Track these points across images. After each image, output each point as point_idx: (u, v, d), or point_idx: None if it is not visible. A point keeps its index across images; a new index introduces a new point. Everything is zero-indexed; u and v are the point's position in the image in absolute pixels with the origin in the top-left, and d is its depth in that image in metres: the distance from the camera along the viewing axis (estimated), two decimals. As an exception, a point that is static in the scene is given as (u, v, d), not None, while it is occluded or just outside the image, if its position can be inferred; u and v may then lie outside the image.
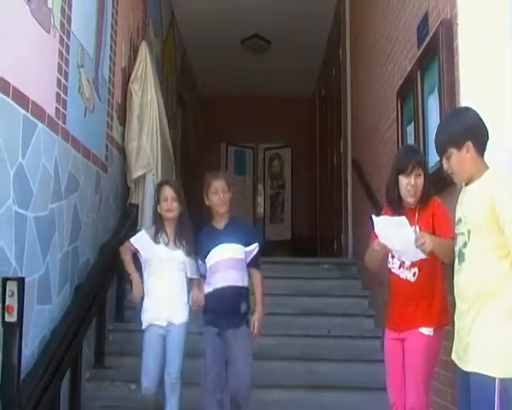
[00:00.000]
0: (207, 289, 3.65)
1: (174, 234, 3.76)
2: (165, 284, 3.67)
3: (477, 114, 2.52)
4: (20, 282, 2.87)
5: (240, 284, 3.63)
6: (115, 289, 4.85)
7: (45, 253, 3.40)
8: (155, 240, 3.72)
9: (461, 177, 2.57)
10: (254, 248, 3.72)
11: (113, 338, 4.72)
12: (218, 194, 3.73)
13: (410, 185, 2.94)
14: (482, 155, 2.52)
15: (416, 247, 2.69)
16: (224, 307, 3.60)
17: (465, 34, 3.06)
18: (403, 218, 2.77)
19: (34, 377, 3.09)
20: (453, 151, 2.51)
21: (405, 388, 2.90)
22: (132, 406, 4.06)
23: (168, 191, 3.80)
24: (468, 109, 2.58)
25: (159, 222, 3.78)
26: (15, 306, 2.82)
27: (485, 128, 2.51)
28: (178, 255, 3.71)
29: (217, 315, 3.61)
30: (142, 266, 3.74)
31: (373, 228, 2.88)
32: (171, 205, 3.76)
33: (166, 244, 3.73)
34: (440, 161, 2.63)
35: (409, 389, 2.87)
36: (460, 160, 2.51)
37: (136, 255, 3.75)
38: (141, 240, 3.77)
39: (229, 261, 3.63)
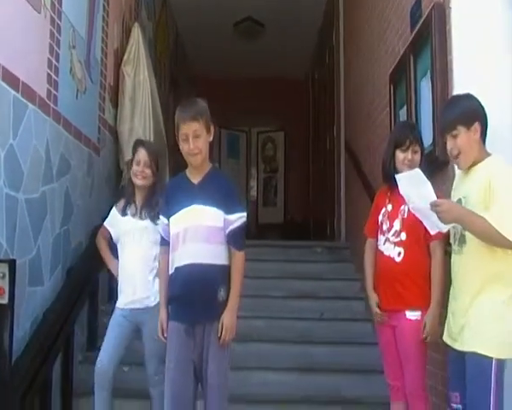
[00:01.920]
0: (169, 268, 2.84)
1: (142, 204, 3.38)
2: (135, 259, 3.33)
3: (480, 103, 2.52)
4: (12, 264, 2.86)
5: (214, 261, 2.76)
6: (107, 271, 4.84)
7: (37, 235, 3.39)
8: (123, 213, 3.41)
9: (467, 158, 2.51)
10: (238, 218, 2.81)
11: (106, 320, 4.70)
12: (188, 142, 2.80)
13: (407, 160, 2.93)
14: (484, 141, 2.52)
15: (431, 208, 2.45)
16: (191, 293, 2.73)
17: (458, 18, 3.05)
18: (417, 170, 2.63)
19: (26, 359, 3.09)
20: (462, 129, 2.48)
21: (402, 372, 2.92)
22: (125, 387, 4.07)
23: (142, 155, 3.40)
24: (473, 96, 2.56)
25: (130, 191, 3.44)
26: (6, 288, 2.81)
27: (487, 116, 2.52)
28: (147, 225, 3.32)
29: (182, 306, 2.77)
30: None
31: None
32: (142, 170, 3.38)
33: (133, 215, 3.39)
34: (443, 141, 2.60)
35: (406, 375, 2.91)
36: (468, 140, 2.48)
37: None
38: (112, 219, 3.50)
39: (200, 229, 2.75)
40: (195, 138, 2.79)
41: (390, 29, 4.37)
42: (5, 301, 2.83)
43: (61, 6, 3.71)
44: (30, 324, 3.29)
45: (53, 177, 3.64)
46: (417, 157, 2.95)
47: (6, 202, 2.98)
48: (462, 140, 2.48)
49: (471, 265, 2.45)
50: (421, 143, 2.99)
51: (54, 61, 3.62)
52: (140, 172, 3.38)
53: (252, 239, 9.01)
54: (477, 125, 2.48)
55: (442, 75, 3.13)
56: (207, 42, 9.22)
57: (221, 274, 2.78)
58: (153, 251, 3.27)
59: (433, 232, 2.67)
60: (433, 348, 3.05)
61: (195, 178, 2.87)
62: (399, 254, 2.93)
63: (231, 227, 2.79)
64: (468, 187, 2.50)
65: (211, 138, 2.89)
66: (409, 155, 2.94)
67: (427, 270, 2.91)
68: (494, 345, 2.33)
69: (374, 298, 3.04)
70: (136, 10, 6.01)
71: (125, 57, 5.19)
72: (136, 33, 5.33)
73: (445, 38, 3.13)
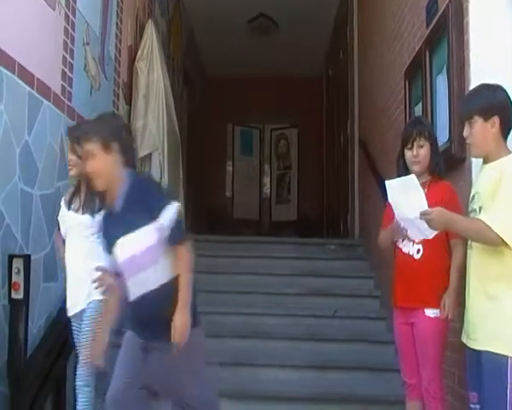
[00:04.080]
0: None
1: (85, 198, 3.02)
2: (77, 259, 3.00)
3: (509, 96, 2.47)
4: (27, 259, 2.88)
5: (157, 284, 2.54)
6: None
7: (51, 231, 3.40)
8: (68, 206, 3.08)
9: (478, 149, 2.50)
10: (168, 214, 2.51)
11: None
12: (84, 161, 2.54)
13: (412, 156, 2.92)
14: (505, 137, 2.47)
15: (421, 216, 2.52)
16: (142, 318, 2.58)
17: (475, 12, 3.00)
18: (412, 176, 2.67)
19: (41, 353, 3.12)
20: (478, 120, 2.44)
21: (419, 371, 2.90)
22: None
23: (69, 143, 3.05)
24: (502, 88, 2.50)
25: (77, 184, 3.11)
26: (22, 283, 2.83)
27: None
28: (87, 220, 2.98)
29: (137, 326, 2.63)
30: None
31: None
32: (69, 159, 3.04)
33: (77, 210, 3.04)
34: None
35: (422, 373, 2.88)
36: (483, 131, 2.44)
37: None
38: (60, 213, 3.14)
39: (133, 261, 2.52)
40: (90, 159, 2.49)
41: (405, 25, 4.33)
42: (20, 296, 2.85)
43: (75, 3, 3.73)
44: (44, 319, 3.31)
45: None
46: (423, 151, 2.91)
47: (21, 197, 2.99)
48: (476, 130, 2.45)
49: (481, 260, 2.43)
50: (429, 136, 2.94)
51: (68, 58, 3.63)
52: (69, 161, 3.06)
53: (265, 236, 9.09)
54: (496, 119, 2.43)
55: (459, 70, 3.08)
56: (221, 39, 9.22)
57: (166, 294, 2.53)
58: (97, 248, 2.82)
59: (416, 240, 2.78)
60: (450, 347, 3.03)
61: (114, 204, 2.56)
62: (418, 251, 2.90)
63: (166, 226, 2.52)
64: (481, 183, 2.48)
65: (116, 157, 2.51)
66: (414, 151, 2.92)
67: (447, 267, 2.86)
68: (508, 342, 2.30)
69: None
70: (150, 7, 6.02)
71: (139, 54, 5.20)
72: (150, 30, 5.34)
73: (462, 32, 3.08)
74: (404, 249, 2.96)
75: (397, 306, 3.02)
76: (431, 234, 2.62)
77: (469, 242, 2.53)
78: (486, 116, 2.43)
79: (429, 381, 2.85)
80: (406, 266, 2.95)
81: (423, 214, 2.47)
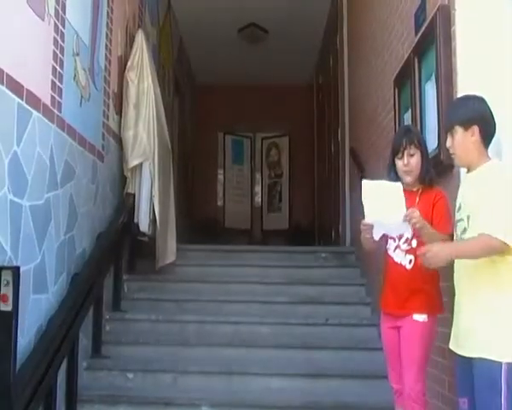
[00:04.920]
0: None
1: None
2: None
3: (489, 107, 2.54)
4: (16, 271, 2.86)
5: None
6: (112, 279, 4.85)
7: (41, 242, 3.39)
8: None
9: (461, 159, 2.59)
10: None
11: (110, 328, 4.72)
12: None
13: (403, 166, 2.94)
14: (486, 146, 2.53)
15: (404, 220, 2.67)
16: None
17: (462, 20, 3.03)
18: (398, 183, 2.76)
19: (30, 366, 3.09)
20: (459, 130, 2.52)
21: (402, 375, 2.91)
22: (130, 394, 4.08)
23: None
24: (483, 99, 2.58)
25: None
26: (10, 295, 2.81)
27: (494, 122, 2.54)
28: None
29: None
30: None
31: None
32: None
33: None
34: (444, 138, 2.64)
35: (405, 376, 2.88)
36: (464, 141, 2.52)
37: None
38: None
39: None
40: None
41: (394, 33, 4.36)
42: (9, 308, 2.82)
43: (64, 13, 3.72)
44: (34, 331, 3.29)
45: (57, 184, 3.64)
46: (414, 160, 2.93)
47: (10, 208, 2.98)
48: (457, 140, 2.54)
49: (471, 267, 2.44)
50: (419, 144, 2.96)
51: (58, 68, 3.63)
52: None
53: (257, 245, 9.08)
54: (475, 128, 2.50)
55: (447, 78, 3.11)
56: (211, 48, 9.24)
57: None
58: None
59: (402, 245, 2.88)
60: (440, 353, 3.04)
61: None
62: (410, 261, 2.92)
63: None
64: (465, 193, 2.54)
65: None
66: (405, 160, 2.94)
67: (436, 273, 2.88)
68: (501, 348, 2.31)
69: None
70: (140, 17, 6.03)
71: (129, 64, 5.19)
72: (140, 40, 5.34)
73: (449, 40, 3.12)
74: (396, 259, 2.97)
75: (385, 312, 3.04)
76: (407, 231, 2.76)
77: None
78: (466, 126, 2.51)
79: (411, 385, 2.85)
80: (397, 275, 2.97)
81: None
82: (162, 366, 4.36)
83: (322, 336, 4.74)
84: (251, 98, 10.53)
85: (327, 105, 8.53)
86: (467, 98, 2.66)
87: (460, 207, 2.55)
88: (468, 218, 2.46)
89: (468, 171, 2.58)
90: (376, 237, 2.90)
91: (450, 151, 2.59)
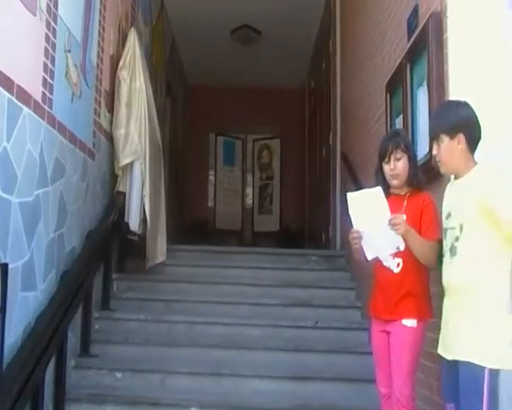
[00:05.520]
0: None
1: None
2: None
3: (474, 111, 2.54)
4: (4, 268, 2.84)
5: None
6: (101, 277, 4.83)
7: (30, 239, 3.36)
8: None
9: (447, 167, 2.59)
10: None
11: (99, 326, 4.70)
12: None
13: (390, 170, 2.94)
14: (472, 152, 2.54)
15: (389, 224, 2.71)
16: None
17: (454, 27, 3.05)
18: (378, 188, 2.79)
19: (17, 364, 3.06)
20: (445, 139, 2.52)
21: (391, 379, 2.91)
22: (118, 394, 4.05)
23: None
24: (466, 104, 2.58)
25: None
26: (-2, 292, 2.79)
27: (479, 127, 2.53)
28: None
29: None
30: None
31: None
32: None
33: None
34: (430, 146, 2.64)
35: (394, 380, 2.88)
36: (450, 149, 2.52)
37: None
38: None
39: None
40: None
41: (387, 38, 4.37)
42: (-3, 305, 2.80)
43: (56, 9, 3.70)
44: (22, 329, 3.26)
45: (47, 181, 3.62)
46: (400, 164, 2.93)
47: (-1, 205, 2.95)
48: (443, 149, 2.54)
49: (460, 275, 2.46)
50: (406, 148, 2.96)
51: (49, 65, 3.60)
52: None
53: (247, 246, 9.06)
54: (461, 136, 2.50)
55: (438, 84, 3.12)
56: (204, 49, 9.24)
57: None
58: None
59: (390, 252, 2.87)
60: (428, 357, 3.04)
61: None
62: (398, 264, 2.91)
63: None
64: (456, 201, 2.53)
65: None
66: (391, 164, 2.94)
67: (425, 278, 2.90)
68: (486, 354, 2.32)
69: None
70: (133, 15, 6.01)
71: (121, 63, 5.17)
72: (133, 38, 5.32)
73: (441, 47, 3.13)
74: (385, 263, 2.96)
75: (375, 316, 3.04)
76: (402, 245, 2.78)
77: (448, 258, 2.54)
78: (452, 134, 2.50)
79: (401, 390, 2.85)
80: (385, 279, 2.96)
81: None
82: (151, 366, 4.34)
83: (311, 339, 4.74)
84: (243, 100, 10.53)
85: (319, 109, 8.54)
86: (450, 105, 2.68)
87: (450, 215, 2.55)
88: (462, 227, 2.46)
89: (456, 178, 2.58)
90: (369, 256, 2.91)
91: (436, 159, 2.59)
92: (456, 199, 2.54)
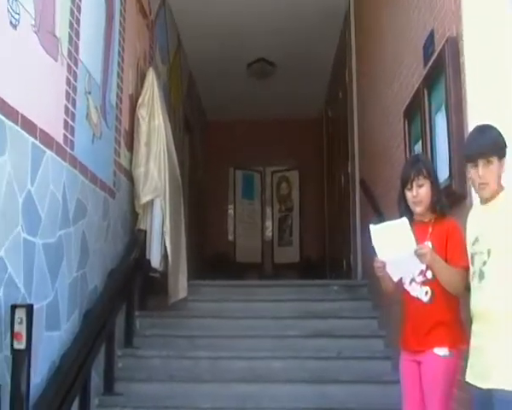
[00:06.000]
0: None
1: None
2: None
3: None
4: (29, 309, 2.87)
5: None
6: (124, 315, 4.84)
7: (54, 279, 3.41)
8: None
9: (491, 190, 2.48)
10: None
11: (123, 364, 4.70)
12: None
13: (412, 197, 2.92)
14: None
15: (415, 254, 2.69)
16: None
17: (471, 51, 3.06)
18: (403, 219, 2.75)
19: (43, 404, 3.08)
20: (495, 160, 2.45)
21: None
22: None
23: None
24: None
25: None
26: (24, 333, 2.81)
27: None
28: None
29: None
30: None
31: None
32: None
33: None
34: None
35: None
36: (499, 171, 2.47)
37: None
38: None
39: None
40: None
41: (404, 65, 4.40)
42: (23, 346, 2.83)
43: (77, 53, 3.79)
44: (47, 368, 3.28)
45: (69, 221, 3.67)
46: (423, 190, 2.89)
47: (24, 247, 3.00)
48: (492, 170, 2.44)
49: (488, 300, 2.41)
50: (428, 174, 2.91)
51: (70, 107, 3.68)
52: None
53: (268, 279, 9.04)
54: (504, 159, 2.48)
55: (457, 109, 3.12)
56: (220, 83, 9.34)
57: None
58: None
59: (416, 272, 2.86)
60: (459, 386, 2.98)
61: None
62: (426, 293, 2.85)
63: None
64: (486, 226, 2.48)
65: None
66: (414, 191, 2.90)
67: (455, 304, 2.84)
68: None
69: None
70: (151, 55, 6.12)
71: (140, 101, 5.26)
72: (151, 78, 5.42)
73: (458, 71, 3.13)
74: (412, 293, 2.91)
75: (404, 349, 2.98)
76: (416, 270, 2.81)
77: (476, 283, 2.50)
78: (501, 155, 2.47)
79: None
80: (415, 309, 2.91)
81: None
82: (175, 402, 4.32)
83: (334, 369, 4.69)
84: (261, 132, 10.59)
85: (336, 138, 8.57)
86: (492, 127, 2.54)
87: (477, 240, 2.50)
88: (489, 252, 2.42)
89: (484, 202, 2.52)
90: (395, 277, 2.88)
91: (480, 181, 2.46)
92: (486, 224, 2.49)
